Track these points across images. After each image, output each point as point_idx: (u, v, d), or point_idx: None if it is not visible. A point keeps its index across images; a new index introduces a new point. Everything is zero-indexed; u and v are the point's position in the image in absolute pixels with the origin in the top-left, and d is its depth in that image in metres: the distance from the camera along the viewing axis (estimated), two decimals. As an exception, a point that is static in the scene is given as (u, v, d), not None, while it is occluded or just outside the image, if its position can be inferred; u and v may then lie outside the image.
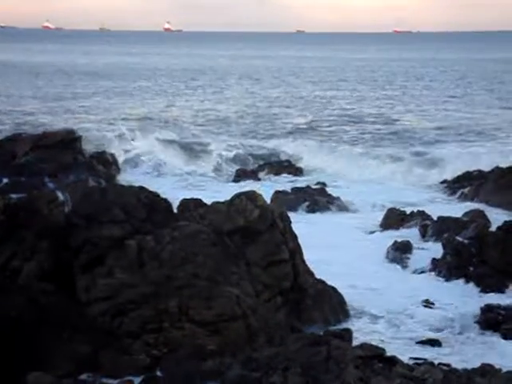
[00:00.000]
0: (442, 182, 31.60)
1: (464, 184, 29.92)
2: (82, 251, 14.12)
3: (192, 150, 37.36)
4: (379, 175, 33.46)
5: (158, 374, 12.89)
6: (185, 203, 16.38)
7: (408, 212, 24.11)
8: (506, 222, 19.39)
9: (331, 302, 15.93)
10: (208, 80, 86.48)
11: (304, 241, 16.40)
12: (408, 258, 20.16)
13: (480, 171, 30.83)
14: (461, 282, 18.21)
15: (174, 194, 20.48)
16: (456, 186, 30.31)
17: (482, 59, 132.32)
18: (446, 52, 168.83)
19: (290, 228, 16.06)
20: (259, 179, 32.06)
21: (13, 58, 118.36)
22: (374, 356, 12.02)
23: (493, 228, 20.26)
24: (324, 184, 29.94)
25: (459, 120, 50.73)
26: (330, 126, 48.40)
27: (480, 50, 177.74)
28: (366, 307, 16.61)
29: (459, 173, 31.57)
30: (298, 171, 33.66)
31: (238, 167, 34.44)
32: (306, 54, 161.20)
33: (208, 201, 16.55)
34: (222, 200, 16.08)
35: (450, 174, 32.17)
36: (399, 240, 20.89)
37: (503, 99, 63.98)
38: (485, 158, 33.44)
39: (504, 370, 11.89)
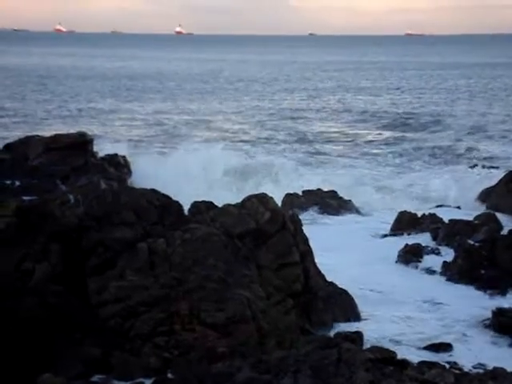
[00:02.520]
0: None
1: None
2: (94, 253, 14.17)
3: None
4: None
5: (169, 376, 12.90)
6: (196, 206, 16.39)
7: (419, 215, 24.06)
8: (517, 224, 19.38)
9: (342, 305, 15.92)
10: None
11: (315, 243, 16.41)
12: (419, 261, 20.13)
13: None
14: (472, 285, 18.18)
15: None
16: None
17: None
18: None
19: (301, 230, 16.07)
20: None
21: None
22: (385, 359, 11.99)
23: (504, 231, 20.21)
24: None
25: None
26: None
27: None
28: (376, 310, 16.59)
29: None
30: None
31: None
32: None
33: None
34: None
35: None
36: (410, 243, 20.87)
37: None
38: None
39: (515, 373, 11.85)
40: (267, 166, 33.66)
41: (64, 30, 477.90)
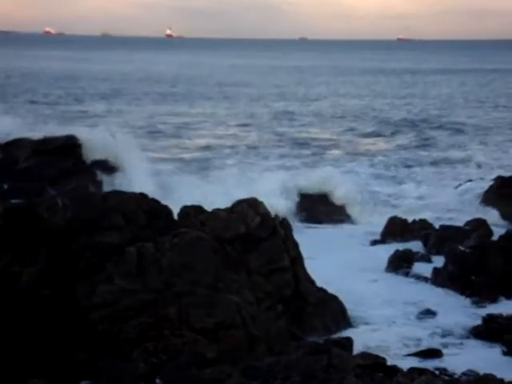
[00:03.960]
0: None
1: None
2: (82, 257, 14.06)
3: None
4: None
5: (158, 381, 12.81)
6: (185, 210, 16.31)
7: (410, 220, 24.04)
8: (508, 231, 19.36)
9: (332, 311, 15.87)
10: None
11: (304, 248, 16.35)
12: (409, 267, 20.08)
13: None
14: (463, 291, 18.13)
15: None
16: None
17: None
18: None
19: (292, 236, 16.01)
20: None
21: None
22: (375, 365, 11.95)
23: (495, 237, 20.19)
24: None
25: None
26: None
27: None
28: (366, 316, 16.55)
29: None
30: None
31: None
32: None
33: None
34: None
35: None
36: (401, 249, 20.83)
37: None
38: None
39: (506, 380, 11.79)
40: None
41: (53, 32, 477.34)
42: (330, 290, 16.30)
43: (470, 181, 31.88)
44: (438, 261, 19.87)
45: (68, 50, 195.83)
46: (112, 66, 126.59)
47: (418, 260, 20.57)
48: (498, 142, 46.21)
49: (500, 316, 15.92)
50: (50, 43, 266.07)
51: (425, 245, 21.90)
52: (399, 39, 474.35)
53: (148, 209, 14.96)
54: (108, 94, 74.44)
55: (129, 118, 54.69)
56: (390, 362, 12.33)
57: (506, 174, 30.07)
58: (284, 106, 67.08)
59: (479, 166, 37.80)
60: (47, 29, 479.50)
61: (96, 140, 30.42)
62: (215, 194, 24.86)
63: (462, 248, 19.51)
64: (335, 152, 42.68)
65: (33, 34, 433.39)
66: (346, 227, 25.93)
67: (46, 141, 30.01)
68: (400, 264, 20.19)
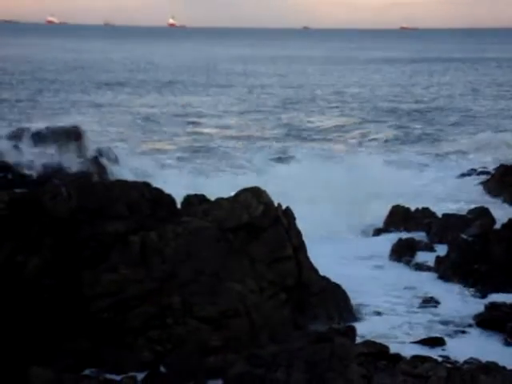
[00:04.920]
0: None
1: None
2: (86, 247, 14.10)
3: None
4: None
5: (162, 370, 12.87)
6: (189, 199, 16.32)
7: (412, 209, 24.01)
8: (510, 219, 19.32)
9: (335, 299, 15.89)
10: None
11: (307, 236, 16.35)
12: (412, 256, 20.11)
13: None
14: (465, 280, 18.15)
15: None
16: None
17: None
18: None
19: (295, 224, 16.02)
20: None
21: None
22: (378, 353, 12.01)
23: (497, 225, 20.19)
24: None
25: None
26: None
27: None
28: (369, 305, 16.59)
29: None
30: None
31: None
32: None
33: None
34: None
35: None
36: (404, 237, 20.85)
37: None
38: None
39: (508, 367, 11.84)
40: None
41: (56, 21, 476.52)
42: (333, 279, 16.32)
43: (474, 170, 31.93)
44: (441, 249, 19.90)
45: (71, 39, 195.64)
46: (112, 55, 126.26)
47: (421, 248, 20.58)
48: (501, 129, 46.05)
49: (503, 304, 15.96)
50: (53, 32, 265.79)
51: (427, 233, 21.89)
52: (402, 28, 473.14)
53: (151, 198, 15.00)
54: (110, 83, 74.30)
55: (127, 108, 54.64)
56: (393, 350, 12.38)
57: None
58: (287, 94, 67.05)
59: (482, 154, 37.70)
60: (50, 18, 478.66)
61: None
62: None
63: (464, 236, 19.53)
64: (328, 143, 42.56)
65: (35, 24, 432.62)
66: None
67: (49, 130, 29.99)
68: (403, 253, 20.21)
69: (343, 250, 20.62)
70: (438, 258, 19.38)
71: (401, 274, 19.16)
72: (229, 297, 13.54)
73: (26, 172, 27.37)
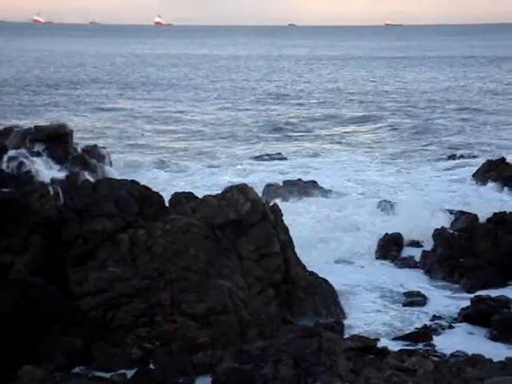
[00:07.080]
0: None
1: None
2: (74, 245, 14.15)
3: None
4: None
5: (151, 366, 12.93)
6: (176, 197, 16.38)
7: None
8: (495, 213, 19.46)
9: (323, 294, 15.98)
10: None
11: (294, 233, 16.44)
12: (398, 250, 20.22)
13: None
14: (451, 274, 18.27)
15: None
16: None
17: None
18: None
19: (282, 221, 16.10)
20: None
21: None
22: (365, 347, 12.06)
23: (482, 220, 20.30)
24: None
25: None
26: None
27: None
28: (356, 299, 16.70)
29: None
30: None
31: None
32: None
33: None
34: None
35: None
36: (390, 232, 20.95)
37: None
38: None
39: (494, 360, 11.95)
40: None
41: (42, 20, 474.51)
42: (320, 273, 16.41)
43: (463, 166, 32.14)
44: (428, 245, 20.00)
45: (57, 38, 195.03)
46: (100, 55, 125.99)
47: (407, 243, 20.68)
48: (492, 124, 46.17)
49: (488, 297, 16.07)
50: (39, 31, 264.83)
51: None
52: (387, 24, 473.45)
53: (139, 196, 15.04)
54: (103, 81, 74.15)
55: (113, 105, 54.60)
56: (380, 345, 12.46)
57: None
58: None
59: (473, 149, 37.85)
60: (36, 17, 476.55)
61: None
62: None
63: (450, 231, 19.65)
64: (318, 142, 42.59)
65: (21, 23, 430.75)
66: (335, 208, 25.86)
67: (37, 129, 29.95)
68: (389, 247, 20.31)
69: (329, 244, 20.64)
70: (424, 252, 19.51)
71: (387, 268, 19.28)
72: (217, 293, 13.61)
73: (14, 171, 27.34)
